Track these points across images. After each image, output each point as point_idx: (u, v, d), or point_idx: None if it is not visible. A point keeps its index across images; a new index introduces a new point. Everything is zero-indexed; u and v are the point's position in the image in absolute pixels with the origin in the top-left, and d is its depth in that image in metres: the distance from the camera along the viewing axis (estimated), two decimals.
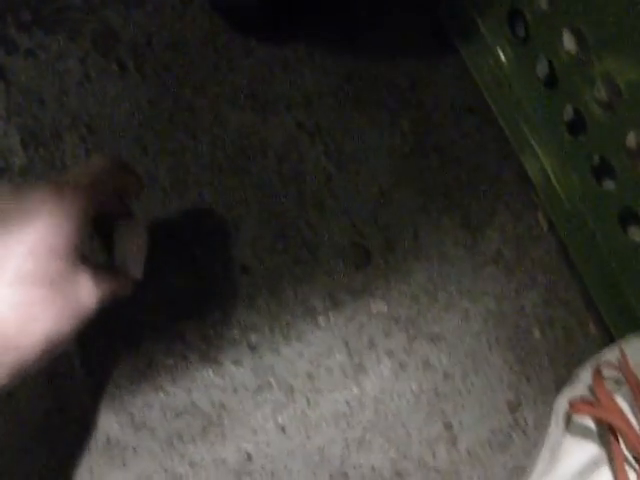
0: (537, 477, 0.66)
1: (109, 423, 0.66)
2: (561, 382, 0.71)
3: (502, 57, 0.74)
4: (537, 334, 0.73)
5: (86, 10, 0.75)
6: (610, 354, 0.69)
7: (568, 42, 0.67)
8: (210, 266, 0.71)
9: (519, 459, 0.71)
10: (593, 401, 0.65)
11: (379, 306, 0.72)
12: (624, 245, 0.70)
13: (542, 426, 0.71)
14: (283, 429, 0.68)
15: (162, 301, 0.69)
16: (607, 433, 0.63)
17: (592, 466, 0.62)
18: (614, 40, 0.61)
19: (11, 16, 0.74)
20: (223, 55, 0.76)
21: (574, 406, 0.65)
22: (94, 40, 0.75)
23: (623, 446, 0.62)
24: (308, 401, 0.69)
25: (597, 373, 0.66)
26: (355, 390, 0.69)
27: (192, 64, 0.75)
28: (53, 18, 0.75)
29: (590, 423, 0.65)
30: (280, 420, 0.68)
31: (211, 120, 0.74)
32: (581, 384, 0.69)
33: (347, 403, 0.69)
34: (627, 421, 0.61)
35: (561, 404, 0.69)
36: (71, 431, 0.66)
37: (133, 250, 0.61)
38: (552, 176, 0.74)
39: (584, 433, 0.65)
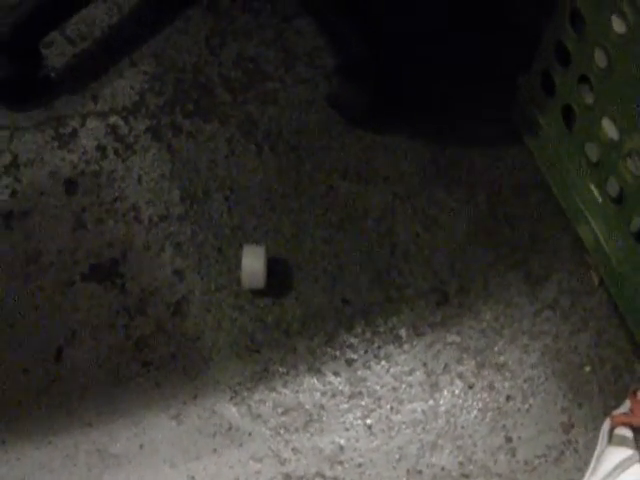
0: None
1: (231, 413, 0.83)
2: (609, 410, 0.84)
3: (558, 145, 0.92)
4: (588, 369, 0.87)
5: (233, 105, 0.99)
6: None
7: (607, 127, 0.85)
8: (317, 297, 0.89)
9: (571, 473, 0.83)
10: (629, 414, 0.78)
11: (453, 337, 0.87)
12: None
13: (592, 446, 0.83)
14: (370, 428, 0.83)
15: (279, 322, 0.87)
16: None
17: (627, 462, 0.75)
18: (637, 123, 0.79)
19: (179, 107, 0.99)
20: (337, 140, 0.97)
21: (613, 417, 0.79)
22: (238, 126, 0.98)
23: None
24: (392, 408, 0.84)
25: (633, 393, 0.79)
26: (431, 402, 0.85)
27: (313, 147, 0.97)
28: (209, 109, 0.99)
29: (628, 433, 0.78)
30: (368, 421, 0.84)
31: (326, 189, 0.95)
32: (623, 409, 0.82)
33: (423, 412, 0.84)
34: None
35: (607, 424, 0.82)
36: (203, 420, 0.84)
37: (257, 268, 0.83)
38: (602, 240, 0.90)
39: (622, 441, 0.77)
